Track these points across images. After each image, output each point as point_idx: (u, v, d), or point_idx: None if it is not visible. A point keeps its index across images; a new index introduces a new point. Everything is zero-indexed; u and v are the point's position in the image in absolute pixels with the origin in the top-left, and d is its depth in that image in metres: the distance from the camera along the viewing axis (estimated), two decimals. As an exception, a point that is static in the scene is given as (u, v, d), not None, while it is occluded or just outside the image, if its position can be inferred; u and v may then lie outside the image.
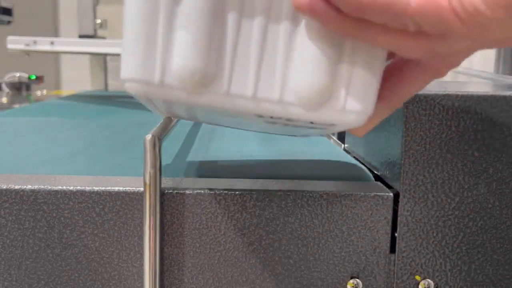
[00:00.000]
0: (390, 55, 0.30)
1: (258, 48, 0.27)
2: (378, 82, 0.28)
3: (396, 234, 0.40)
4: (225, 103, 0.27)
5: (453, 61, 0.29)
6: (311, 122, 0.29)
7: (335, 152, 0.56)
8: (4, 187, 0.39)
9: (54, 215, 0.40)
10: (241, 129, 0.39)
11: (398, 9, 0.24)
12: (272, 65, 0.27)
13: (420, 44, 0.25)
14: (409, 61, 0.29)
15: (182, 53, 0.26)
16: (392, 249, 0.41)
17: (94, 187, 0.39)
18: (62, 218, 0.40)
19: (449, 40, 0.25)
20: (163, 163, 0.40)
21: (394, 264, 0.41)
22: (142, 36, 0.26)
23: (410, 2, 0.24)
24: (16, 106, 1.47)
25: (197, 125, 0.70)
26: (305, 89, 0.27)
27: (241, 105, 0.27)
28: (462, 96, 0.39)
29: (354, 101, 0.27)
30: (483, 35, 0.24)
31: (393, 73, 0.30)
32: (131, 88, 0.27)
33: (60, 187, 0.40)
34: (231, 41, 0.27)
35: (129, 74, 0.27)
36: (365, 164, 0.49)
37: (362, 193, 0.40)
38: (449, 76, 0.68)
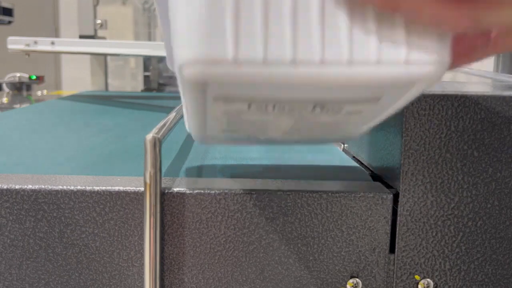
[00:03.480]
0: None
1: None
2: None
3: (395, 234, 0.41)
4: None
5: None
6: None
7: (335, 152, 0.56)
8: (5, 187, 0.40)
9: (55, 214, 0.40)
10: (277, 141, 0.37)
11: None
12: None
13: (464, 13, 0.22)
14: None
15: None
16: (392, 249, 0.41)
17: (94, 187, 0.40)
18: (62, 218, 0.40)
19: (499, 7, 0.22)
20: (163, 163, 0.40)
21: (394, 264, 0.41)
22: (207, 18, 0.23)
23: None
24: (17, 106, 1.47)
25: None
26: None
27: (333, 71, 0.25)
28: (462, 96, 0.39)
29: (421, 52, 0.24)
30: None
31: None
32: (194, 73, 0.23)
33: (60, 187, 0.40)
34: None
35: (193, 54, 0.23)
36: (365, 164, 0.49)
37: (362, 193, 0.40)
38: (449, 76, 0.68)
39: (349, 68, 0.24)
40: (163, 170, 0.44)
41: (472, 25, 0.23)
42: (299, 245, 0.40)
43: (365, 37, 0.24)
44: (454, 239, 0.40)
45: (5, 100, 1.51)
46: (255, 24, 0.23)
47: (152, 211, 0.38)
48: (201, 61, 0.23)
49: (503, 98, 0.39)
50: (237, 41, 0.23)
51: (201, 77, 0.23)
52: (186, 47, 0.23)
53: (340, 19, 0.24)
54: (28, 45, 1.04)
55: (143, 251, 0.40)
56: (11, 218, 0.40)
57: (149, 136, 0.38)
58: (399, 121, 0.40)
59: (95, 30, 1.39)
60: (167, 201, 0.40)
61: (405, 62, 0.24)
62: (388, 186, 0.42)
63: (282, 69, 0.24)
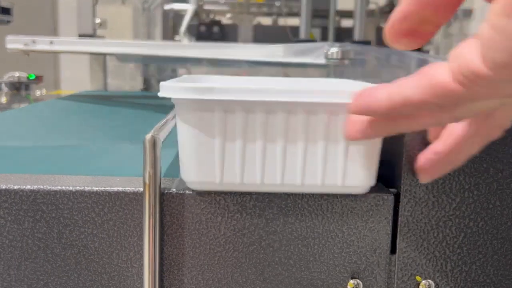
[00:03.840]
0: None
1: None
2: (375, 159, 0.38)
3: (396, 234, 0.40)
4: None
5: (500, 120, 0.31)
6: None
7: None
8: (4, 187, 0.39)
9: (54, 215, 0.40)
10: None
11: (414, 102, 0.27)
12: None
13: (444, 115, 0.29)
14: (458, 128, 0.33)
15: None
16: (393, 250, 0.41)
17: (93, 187, 0.39)
18: (61, 218, 0.40)
19: (468, 105, 0.27)
20: (163, 163, 0.40)
21: (395, 265, 0.41)
22: (202, 157, 0.37)
23: (416, 93, 0.27)
24: (16, 106, 1.47)
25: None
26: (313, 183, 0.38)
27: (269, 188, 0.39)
28: (463, 96, 0.39)
29: (352, 179, 0.38)
30: (497, 92, 0.25)
31: (448, 138, 0.34)
32: (195, 187, 0.39)
33: (59, 187, 0.39)
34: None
35: (196, 178, 0.38)
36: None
37: (362, 193, 0.40)
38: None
39: (300, 188, 0.39)
40: (163, 170, 0.43)
41: (452, 120, 0.30)
42: (300, 245, 0.40)
43: (314, 166, 0.37)
44: (455, 239, 0.40)
45: (4, 99, 1.51)
46: (235, 163, 0.37)
47: (151, 211, 0.38)
48: (198, 183, 0.38)
49: (505, 98, 0.39)
50: (222, 172, 0.37)
51: (199, 189, 0.39)
52: (189, 172, 0.38)
53: (298, 151, 0.37)
54: (27, 44, 1.03)
55: (142, 251, 0.40)
56: (9, 218, 0.40)
57: (149, 136, 0.38)
58: (400, 121, 0.39)
59: (95, 30, 1.39)
60: (166, 201, 0.39)
61: (340, 186, 0.38)
62: (389, 187, 0.42)
63: (253, 188, 0.39)
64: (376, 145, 0.38)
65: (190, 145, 0.37)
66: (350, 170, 0.37)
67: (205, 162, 0.37)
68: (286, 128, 0.36)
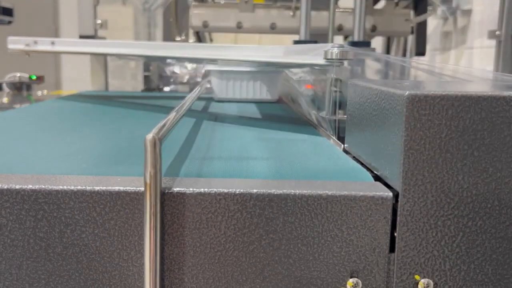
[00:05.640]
0: None
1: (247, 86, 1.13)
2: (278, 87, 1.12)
3: (395, 234, 0.41)
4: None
5: None
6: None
7: (335, 152, 0.56)
8: (5, 187, 0.40)
9: (55, 214, 0.40)
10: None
11: None
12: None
13: None
14: None
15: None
16: (392, 249, 0.41)
17: (94, 187, 0.40)
18: (63, 218, 0.40)
19: None
20: (164, 162, 0.40)
21: (394, 264, 0.41)
22: (219, 89, 1.11)
23: None
24: (17, 106, 1.47)
25: (197, 125, 0.70)
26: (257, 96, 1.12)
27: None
28: (462, 96, 0.39)
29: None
30: None
31: None
32: (218, 99, 1.11)
33: (61, 187, 0.40)
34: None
35: (218, 95, 1.12)
36: (365, 164, 0.49)
37: (362, 193, 0.40)
38: (449, 76, 0.68)
39: (254, 99, 1.14)
40: (163, 170, 0.44)
41: None
42: (299, 245, 0.40)
43: (257, 91, 1.15)
44: (454, 239, 0.40)
45: (5, 100, 1.51)
46: (229, 90, 1.11)
47: (152, 211, 0.38)
48: (218, 98, 1.12)
49: (503, 98, 0.39)
50: (227, 93, 1.11)
51: (219, 101, 1.12)
52: (216, 94, 1.12)
53: (250, 88, 1.17)
54: (28, 45, 1.04)
55: (143, 251, 0.40)
56: (11, 218, 0.40)
57: (150, 136, 0.38)
58: (399, 121, 0.40)
59: (96, 30, 1.39)
60: (167, 201, 0.40)
61: (266, 98, 1.14)
62: (389, 186, 0.42)
63: (239, 99, 1.11)
64: (277, 84, 1.09)
65: (216, 86, 1.08)
66: (269, 93, 1.08)
67: (220, 90, 1.08)
68: (247, 82, 1.07)
